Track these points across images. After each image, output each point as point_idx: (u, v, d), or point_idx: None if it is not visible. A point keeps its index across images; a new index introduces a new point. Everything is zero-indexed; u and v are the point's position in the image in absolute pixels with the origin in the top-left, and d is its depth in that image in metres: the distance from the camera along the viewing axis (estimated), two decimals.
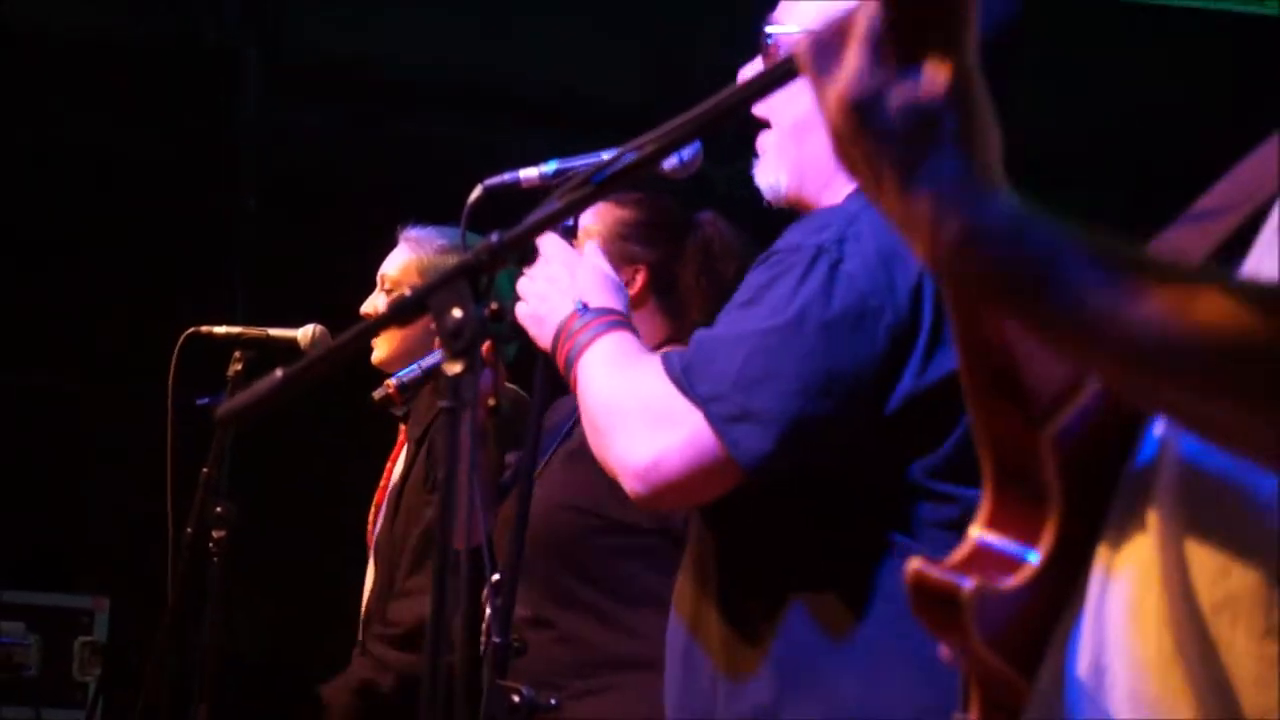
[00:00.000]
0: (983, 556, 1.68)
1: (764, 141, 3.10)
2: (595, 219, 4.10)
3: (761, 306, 2.76)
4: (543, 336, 3.08)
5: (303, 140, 7.49)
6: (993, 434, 1.72)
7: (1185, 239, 1.74)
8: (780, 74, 1.91)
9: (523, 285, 3.12)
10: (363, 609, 5.09)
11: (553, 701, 3.13)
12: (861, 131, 1.50)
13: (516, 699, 2.98)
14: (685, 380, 2.76)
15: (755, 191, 3.10)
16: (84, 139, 7.18)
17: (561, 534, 3.96)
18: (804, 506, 2.81)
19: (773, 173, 3.07)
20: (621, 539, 3.96)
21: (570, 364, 2.96)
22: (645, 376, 2.84)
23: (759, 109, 3.07)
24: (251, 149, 7.49)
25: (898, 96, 1.48)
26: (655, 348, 4.19)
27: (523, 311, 3.11)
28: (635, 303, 4.20)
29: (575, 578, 3.99)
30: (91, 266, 7.08)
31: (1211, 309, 1.45)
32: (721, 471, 2.75)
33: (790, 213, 3.07)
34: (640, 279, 4.19)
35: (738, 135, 3.06)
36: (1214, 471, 1.60)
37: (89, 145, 7.19)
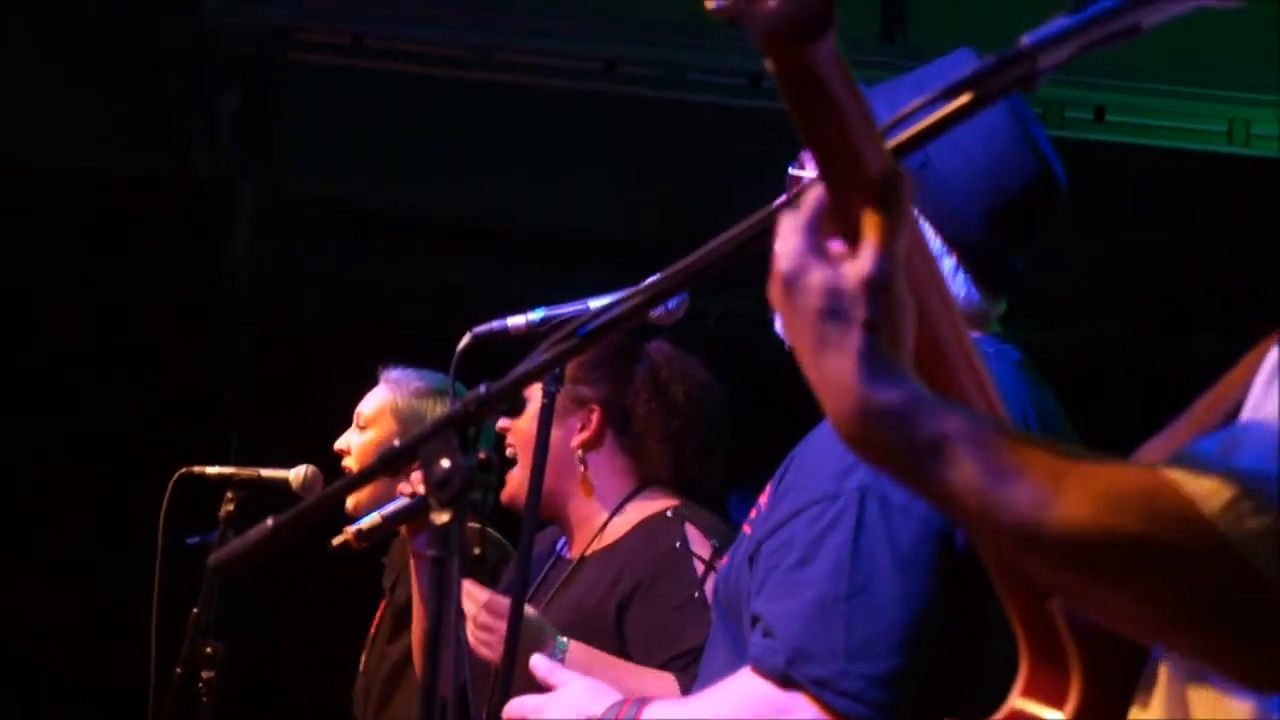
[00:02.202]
0: (1021, 717, 1.77)
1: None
2: None
3: (823, 562, 2.70)
4: None
5: (295, 278, 7.50)
6: (1015, 606, 1.78)
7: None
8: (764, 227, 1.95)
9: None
10: None
11: None
12: (785, 303, 1.60)
13: None
14: (793, 671, 2.67)
15: (745, 321, 3.07)
16: (78, 274, 7.18)
17: None
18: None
19: None
20: None
21: None
22: (738, 691, 2.77)
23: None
24: (244, 286, 7.51)
25: (820, 279, 1.57)
26: (622, 488, 4.19)
27: None
28: (593, 443, 4.20)
29: None
30: (86, 404, 7.08)
31: (1069, 503, 1.51)
32: None
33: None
34: (595, 419, 4.20)
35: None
36: None
37: (83, 280, 7.19)
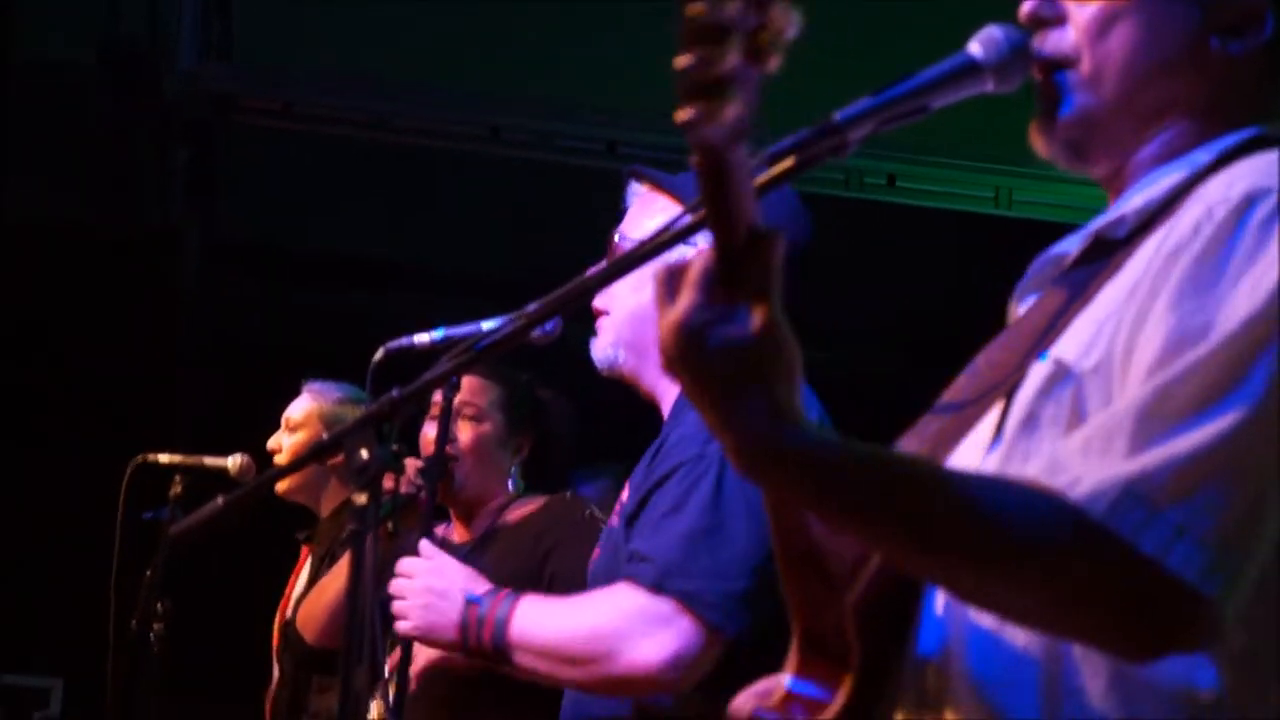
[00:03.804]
0: (793, 699, 1.69)
1: (604, 323, 3.09)
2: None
3: (692, 508, 2.74)
4: (443, 638, 2.97)
5: (233, 305, 7.44)
6: (800, 598, 1.72)
7: (939, 428, 1.74)
8: (620, 271, 1.96)
9: (399, 607, 3.01)
10: (269, 698, 5.02)
11: None
12: (686, 355, 1.47)
13: None
14: (661, 581, 2.72)
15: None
16: (53, 304, 7.09)
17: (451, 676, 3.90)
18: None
19: (610, 349, 3.06)
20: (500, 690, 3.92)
21: (499, 641, 2.86)
22: (605, 601, 2.80)
23: (599, 300, 3.06)
24: (191, 312, 7.43)
25: (719, 332, 1.46)
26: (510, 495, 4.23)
27: (407, 628, 3.00)
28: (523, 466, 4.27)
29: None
30: (61, 406, 6.99)
31: (971, 521, 1.48)
32: (717, 646, 2.73)
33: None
34: (527, 447, 4.27)
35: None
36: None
37: (56, 307, 7.10)
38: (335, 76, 6.76)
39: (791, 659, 1.73)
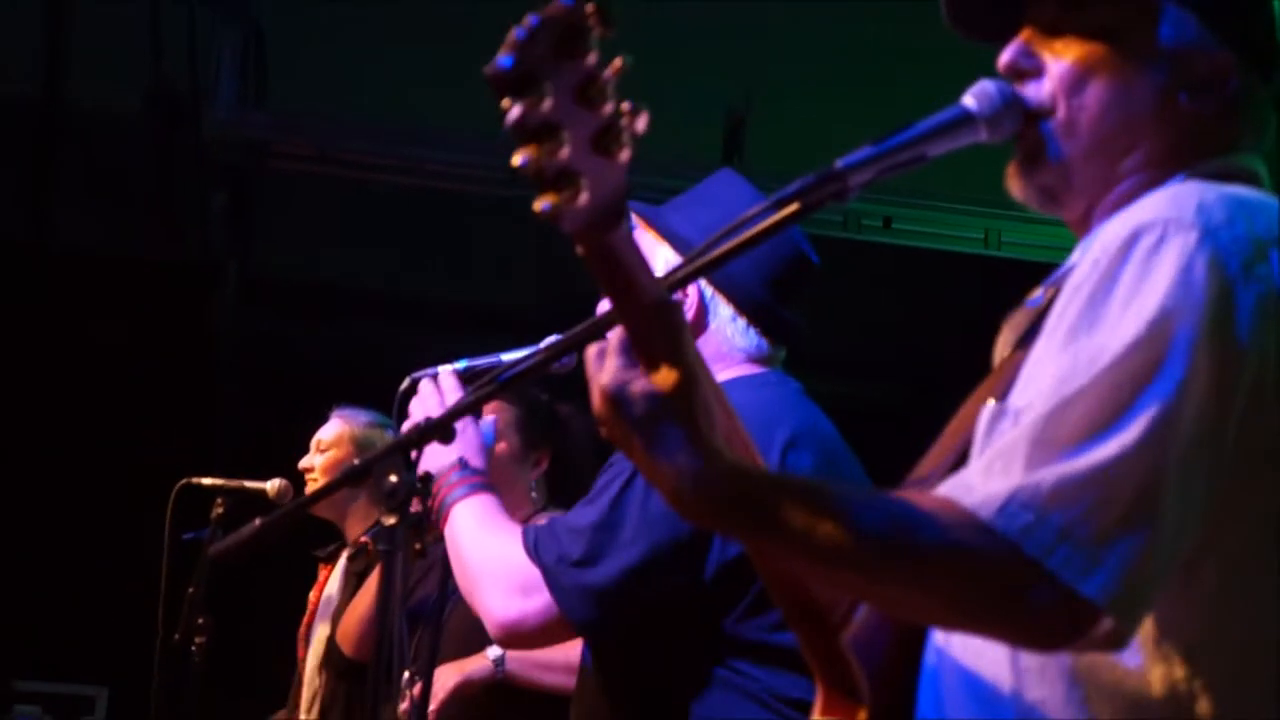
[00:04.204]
0: None
1: None
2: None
3: (598, 504, 2.71)
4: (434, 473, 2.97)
5: (268, 337, 7.44)
6: (808, 644, 1.74)
7: (953, 439, 1.75)
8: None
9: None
10: (304, 693, 5.03)
11: None
12: (614, 414, 1.55)
13: None
14: (535, 551, 2.71)
15: None
16: (103, 332, 7.10)
17: (473, 639, 3.91)
18: (645, 648, 2.75)
19: None
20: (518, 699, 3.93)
21: (443, 509, 2.88)
22: (507, 545, 2.77)
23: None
24: (229, 342, 7.43)
25: (637, 390, 1.53)
26: (543, 502, 4.22)
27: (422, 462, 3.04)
28: (540, 478, 4.26)
29: None
30: (110, 432, 6.99)
31: (876, 531, 1.49)
32: (565, 627, 2.70)
33: None
34: (546, 461, 4.28)
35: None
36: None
37: (105, 336, 7.11)
38: (363, 124, 6.77)
39: (817, 700, 1.75)
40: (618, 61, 1.41)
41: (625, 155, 1.42)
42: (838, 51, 6.30)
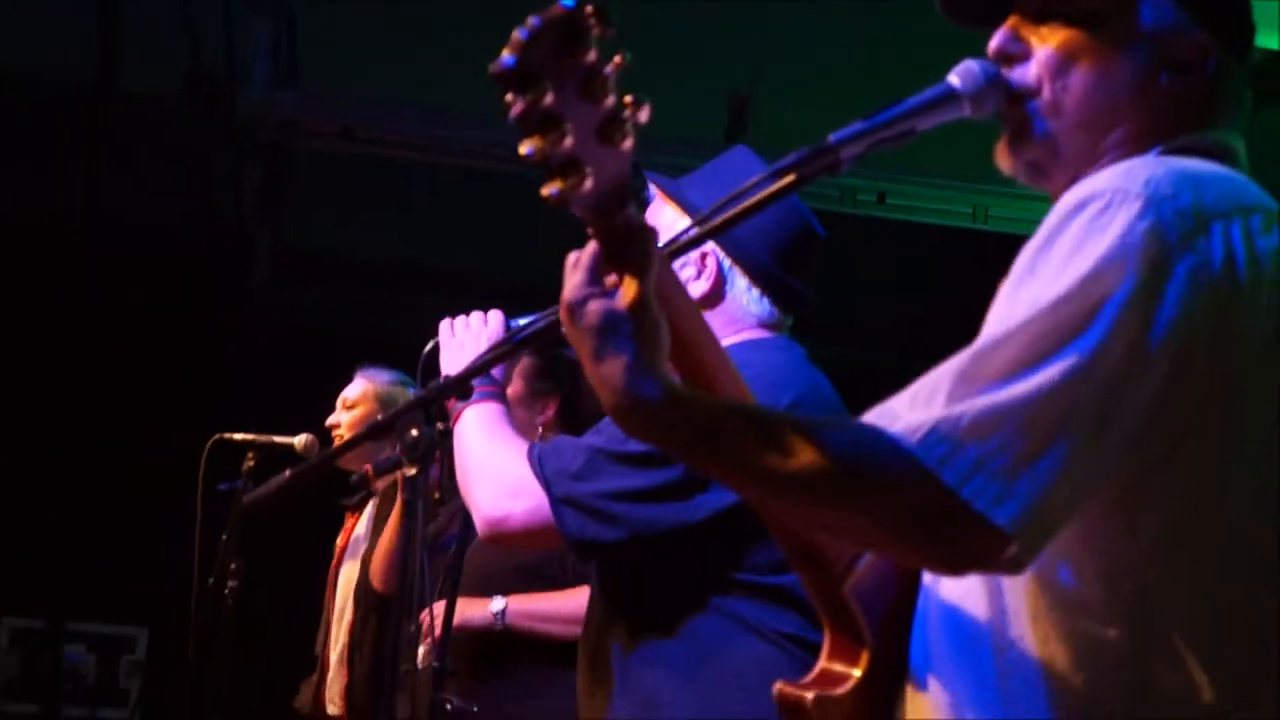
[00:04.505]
0: (824, 675, 1.74)
1: None
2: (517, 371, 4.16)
3: (600, 434, 2.73)
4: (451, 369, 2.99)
5: (297, 302, 7.46)
6: (815, 589, 1.75)
7: None
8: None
9: (446, 324, 3.04)
10: (332, 630, 5.05)
11: (474, 709, 3.09)
12: (569, 321, 1.58)
13: (449, 707, 2.94)
14: (539, 463, 2.72)
15: None
16: (146, 298, 7.12)
17: (493, 577, 3.95)
18: (641, 576, 2.75)
19: None
20: (540, 585, 3.94)
21: (453, 412, 2.90)
22: (510, 451, 2.78)
23: None
24: (260, 307, 7.46)
25: (596, 304, 1.57)
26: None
27: (444, 352, 3.03)
28: (549, 423, 4.26)
29: None
30: (150, 389, 7.03)
31: (807, 454, 1.50)
32: (548, 533, 2.71)
33: None
34: (552, 408, 4.27)
35: None
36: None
37: (148, 300, 7.14)
38: (387, 103, 6.77)
39: (825, 643, 1.77)
40: (618, 58, 1.44)
41: (629, 144, 1.46)
42: (839, 35, 6.29)
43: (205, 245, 7.36)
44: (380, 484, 5.05)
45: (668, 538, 2.66)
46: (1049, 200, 1.86)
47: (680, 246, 1.87)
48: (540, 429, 4.25)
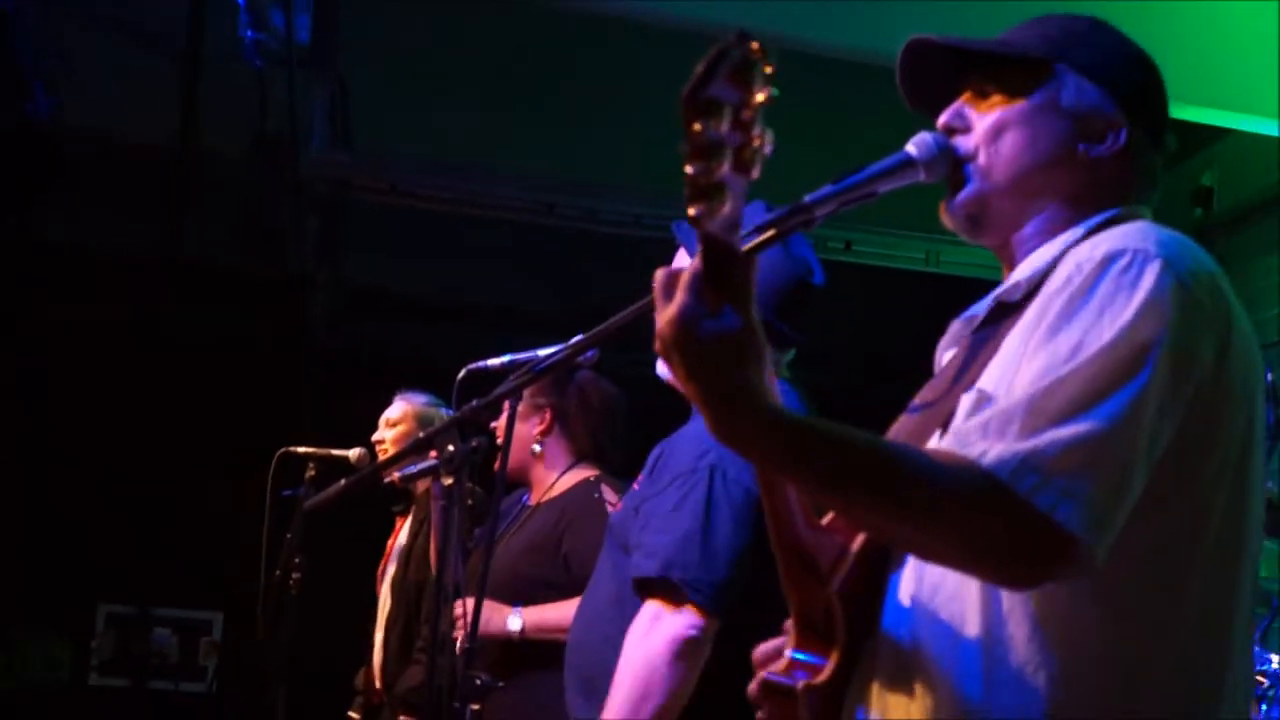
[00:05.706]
0: (795, 665, 1.68)
1: None
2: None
3: (684, 512, 2.65)
4: None
5: (352, 339, 7.46)
6: (793, 585, 1.71)
7: (914, 423, 1.74)
8: (639, 311, 1.99)
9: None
10: (382, 627, 5.03)
11: (500, 684, 3.07)
12: (680, 341, 1.42)
13: (478, 682, 2.92)
14: (668, 573, 2.62)
15: (641, 373, 3.03)
16: (219, 337, 7.12)
17: (518, 581, 3.91)
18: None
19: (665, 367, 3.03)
20: (555, 593, 3.90)
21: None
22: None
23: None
24: (319, 343, 7.47)
25: (709, 324, 1.42)
26: (564, 461, 4.18)
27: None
28: (545, 432, 4.20)
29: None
30: (226, 411, 7.02)
31: (909, 483, 1.46)
32: (714, 627, 2.61)
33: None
34: (547, 418, 4.21)
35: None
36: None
37: (220, 339, 7.14)
38: (427, 162, 6.78)
39: (791, 634, 1.71)
40: (764, 93, 1.34)
41: (755, 174, 1.37)
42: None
43: (272, 285, 7.38)
44: (420, 491, 5.04)
45: None
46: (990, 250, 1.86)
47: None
48: (538, 439, 4.19)
